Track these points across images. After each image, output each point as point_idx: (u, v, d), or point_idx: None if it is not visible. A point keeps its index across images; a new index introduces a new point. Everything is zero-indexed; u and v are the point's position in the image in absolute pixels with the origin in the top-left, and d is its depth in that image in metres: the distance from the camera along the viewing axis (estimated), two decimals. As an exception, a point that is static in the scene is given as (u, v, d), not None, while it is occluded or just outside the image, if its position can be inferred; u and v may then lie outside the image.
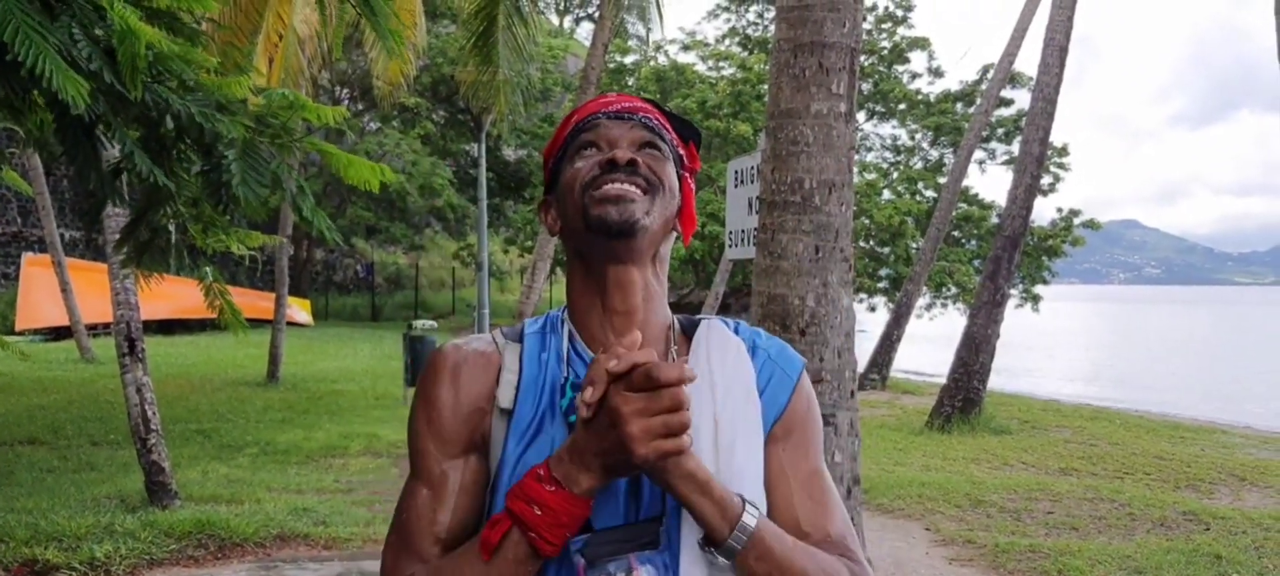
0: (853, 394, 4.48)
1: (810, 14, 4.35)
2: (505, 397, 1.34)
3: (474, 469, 1.34)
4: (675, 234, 1.44)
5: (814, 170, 4.36)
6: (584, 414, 1.17)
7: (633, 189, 1.32)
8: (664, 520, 1.26)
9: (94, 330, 19.03)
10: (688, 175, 1.47)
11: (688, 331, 1.44)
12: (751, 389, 1.37)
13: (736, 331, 1.45)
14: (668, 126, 1.44)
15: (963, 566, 6.64)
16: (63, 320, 18.84)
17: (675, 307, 1.47)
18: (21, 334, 20.72)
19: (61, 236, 19.49)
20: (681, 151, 1.46)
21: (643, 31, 30.73)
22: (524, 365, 1.37)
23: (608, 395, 1.15)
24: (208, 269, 5.63)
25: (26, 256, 22.28)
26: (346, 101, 32.85)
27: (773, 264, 4.46)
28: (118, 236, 5.59)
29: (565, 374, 1.35)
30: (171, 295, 17.00)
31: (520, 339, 1.41)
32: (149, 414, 7.19)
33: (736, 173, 6.46)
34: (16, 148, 5.73)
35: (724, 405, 1.34)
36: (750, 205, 5.96)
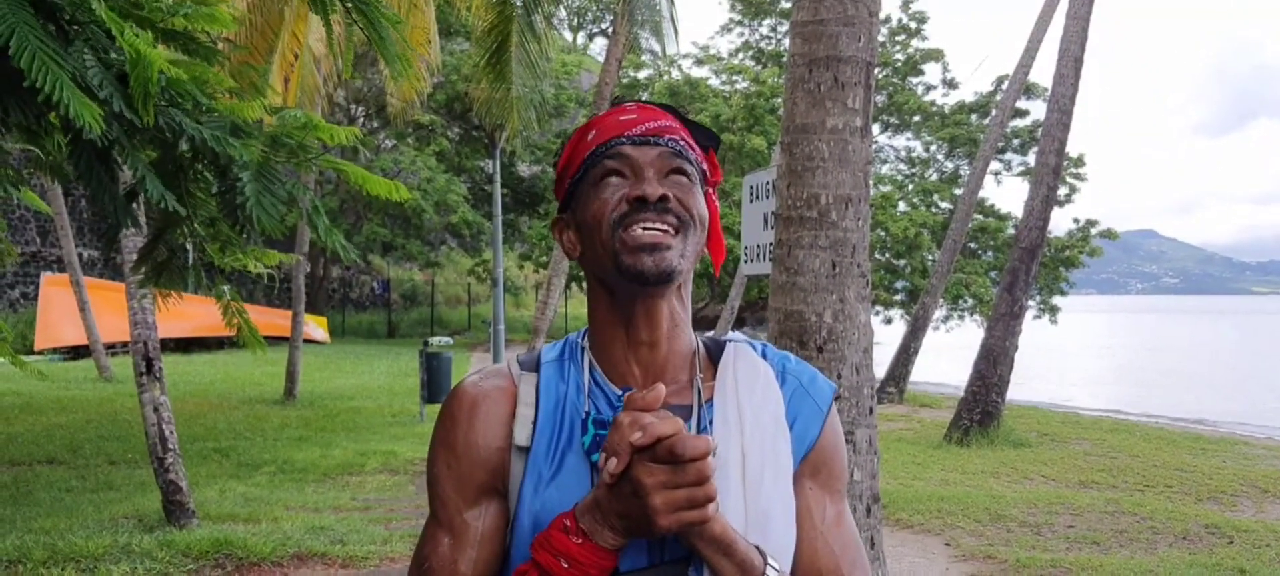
0: (871, 410, 4.44)
1: (825, 29, 4.33)
2: (521, 434, 1.31)
3: (495, 513, 1.31)
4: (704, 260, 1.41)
5: (830, 185, 4.34)
6: (607, 481, 1.16)
7: (666, 233, 1.28)
8: (691, 562, 1.24)
9: (113, 349, 19.13)
10: (711, 189, 1.42)
11: (713, 355, 1.40)
12: (780, 419, 1.33)
13: (763, 355, 1.40)
14: (691, 141, 1.38)
15: (983, 582, 6.58)
16: (82, 339, 18.94)
17: (691, 322, 1.43)
18: (41, 353, 20.84)
19: (80, 256, 19.62)
20: (703, 165, 1.40)
21: (656, 46, 30.79)
22: (540, 397, 1.33)
23: (631, 465, 1.14)
24: (226, 288, 5.64)
25: (45, 276, 22.41)
26: (362, 119, 33.03)
27: (789, 280, 4.44)
28: (135, 256, 5.61)
29: (586, 408, 1.31)
30: (190, 314, 17.16)
31: (537, 368, 1.37)
32: (166, 433, 7.20)
33: (752, 188, 6.44)
34: (34, 169, 5.75)
35: (752, 437, 1.30)
36: (766, 220, 5.94)
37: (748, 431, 1.30)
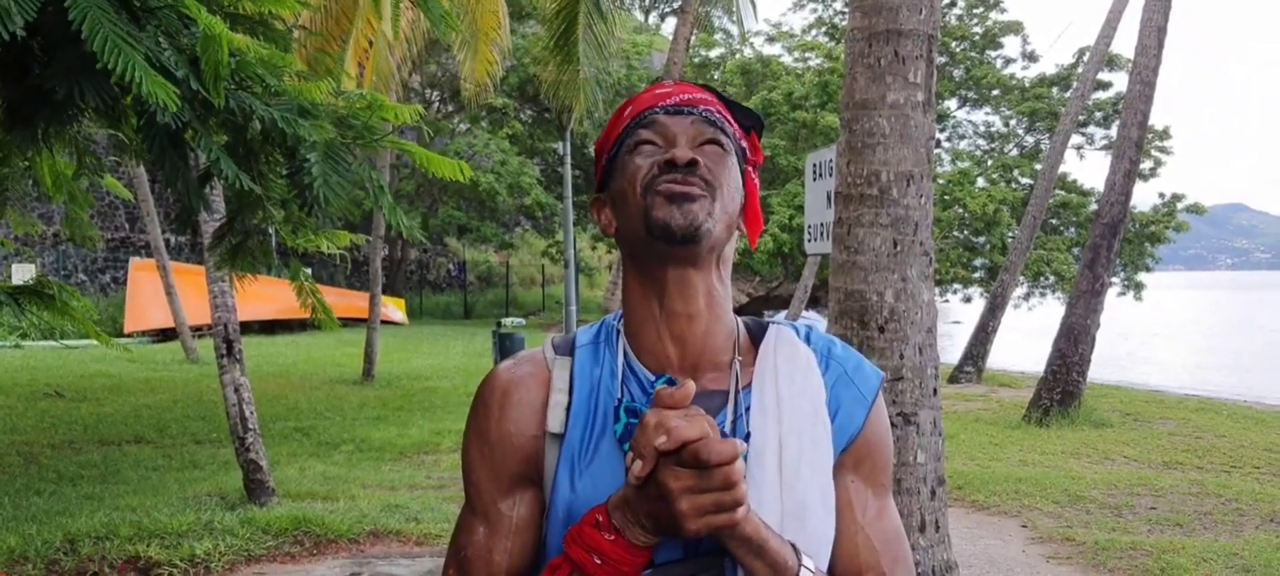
0: (935, 392, 4.35)
1: (884, 1, 4.25)
2: (555, 421, 1.28)
3: (530, 503, 1.29)
4: (739, 234, 1.36)
5: (891, 162, 4.25)
6: (633, 482, 1.12)
7: (694, 188, 1.23)
8: (727, 553, 1.19)
9: (199, 331, 19.65)
10: (751, 169, 1.38)
11: (756, 338, 1.35)
12: (820, 408, 1.28)
13: (808, 339, 1.35)
14: (729, 117, 1.35)
15: (1061, 564, 6.46)
16: (169, 322, 19.47)
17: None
18: (130, 336, 21.48)
19: (166, 241, 20.17)
20: (743, 143, 1.36)
21: (729, 25, 30.61)
22: (574, 383, 1.30)
23: (657, 468, 1.10)
24: (307, 270, 5.74)
25: (133, 261, 23.09)
26: (436, 104, 33.38)
27: (850, 259, 4.37)
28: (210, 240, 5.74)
29: (619, 395, 1.27)
30: (274, 296, 17.55)
31: (571, 352, 1.34)
32: (247, 413, 7.38)
33: (814, 166, 6.37)
34: (119, 158, 5.92)
35: (790, 426, 1.25)
36: (828, 199, 5.86)
37: (786, 420, 1.26)
